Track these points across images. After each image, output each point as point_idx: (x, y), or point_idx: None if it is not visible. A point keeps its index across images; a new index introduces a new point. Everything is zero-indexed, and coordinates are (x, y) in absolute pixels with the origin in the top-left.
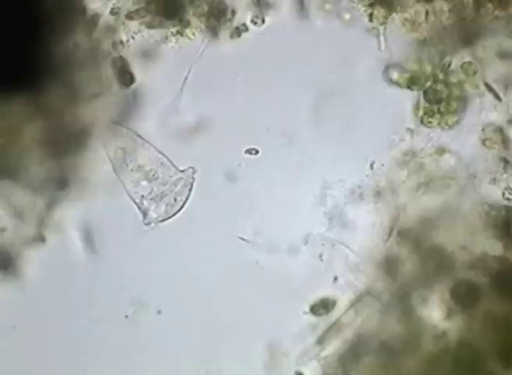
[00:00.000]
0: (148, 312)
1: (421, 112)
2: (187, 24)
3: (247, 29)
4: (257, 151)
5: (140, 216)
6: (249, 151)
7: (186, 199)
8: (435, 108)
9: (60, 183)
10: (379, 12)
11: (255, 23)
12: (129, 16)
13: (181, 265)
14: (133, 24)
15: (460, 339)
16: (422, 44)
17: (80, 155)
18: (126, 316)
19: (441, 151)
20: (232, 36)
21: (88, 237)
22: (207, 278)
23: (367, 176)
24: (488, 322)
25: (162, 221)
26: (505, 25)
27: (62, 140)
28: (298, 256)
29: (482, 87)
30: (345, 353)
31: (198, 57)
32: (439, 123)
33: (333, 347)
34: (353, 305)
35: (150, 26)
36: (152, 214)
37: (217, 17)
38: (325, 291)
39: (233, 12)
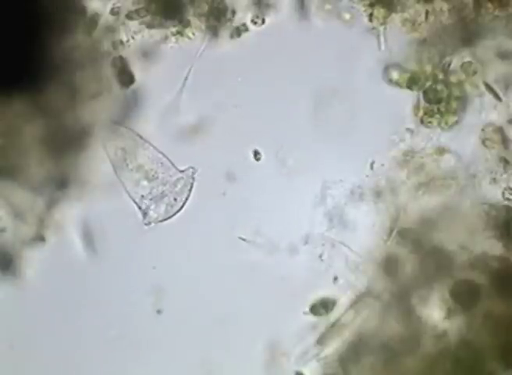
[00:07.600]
0: (148, 312)
1: (421, 112)
2: (187, 24)
3: (247, 29)
4: (259, 158)
5: (140, 215)
6: (254, 153)
7: (186, 199)
8: (435, 108)
9: (60, 183)
10: (379, 12)
11: (255, 23)
12: (129, 16)
13: (181, 265)
14: (133, 24)
15: (460, 339)
16: (422, 44)
17: (80, 155)
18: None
19: (441, 151)
20: (232, 36)
21: (88, 237)
22: (207, 278)
23: (367, 176)
24: (488, 322)
25: (162, 221)
26: (505, 25)
27: (61, 140)
28: (298, 256)
29: (482, 87)
30: (345, 353)
31: (198, 57)
32: (438, 123)
33: (333, 347)
34: (353, 305)
35: (150, 26)
36: (152, 214)
37: (217, 17)
38: (325, 291)
39: (233, 12)
